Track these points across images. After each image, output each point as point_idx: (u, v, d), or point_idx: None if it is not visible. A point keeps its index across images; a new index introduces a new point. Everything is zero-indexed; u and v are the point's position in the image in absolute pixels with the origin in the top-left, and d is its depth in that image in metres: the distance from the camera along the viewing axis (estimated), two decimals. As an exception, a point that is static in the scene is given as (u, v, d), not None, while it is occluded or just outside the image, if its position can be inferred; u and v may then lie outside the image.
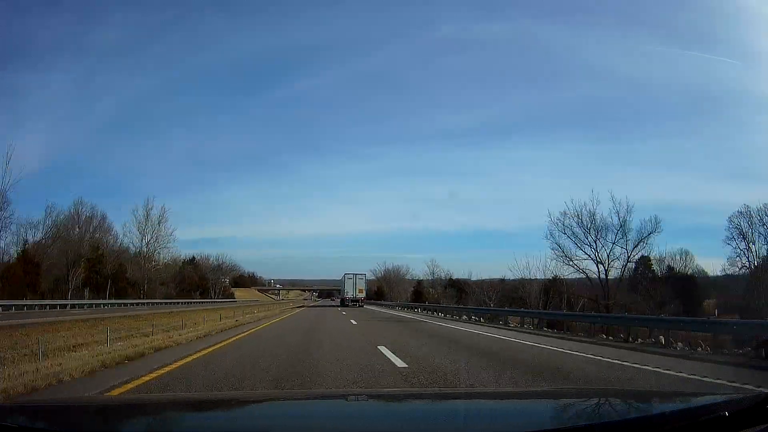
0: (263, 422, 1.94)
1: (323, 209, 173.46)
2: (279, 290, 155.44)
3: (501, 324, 22.55)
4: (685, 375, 7.53)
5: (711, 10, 58.38)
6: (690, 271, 47.47)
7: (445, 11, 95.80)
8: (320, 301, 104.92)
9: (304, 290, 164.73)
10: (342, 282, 56.03)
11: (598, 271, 33.05)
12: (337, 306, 53.38)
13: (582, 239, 33.30)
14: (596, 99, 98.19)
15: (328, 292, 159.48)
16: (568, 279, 36.99)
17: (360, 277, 53.34)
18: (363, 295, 52.85)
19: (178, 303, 52.44)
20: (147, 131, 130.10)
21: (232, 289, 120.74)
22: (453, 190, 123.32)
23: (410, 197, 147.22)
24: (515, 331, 18.72)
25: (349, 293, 51.82)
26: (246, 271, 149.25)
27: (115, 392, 5.82)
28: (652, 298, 32.79)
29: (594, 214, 33.03)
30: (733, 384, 6.75)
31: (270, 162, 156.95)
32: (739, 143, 59.96)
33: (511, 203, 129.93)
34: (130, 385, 6.23)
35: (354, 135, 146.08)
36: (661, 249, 42.86)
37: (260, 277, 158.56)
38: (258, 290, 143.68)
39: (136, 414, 2.03)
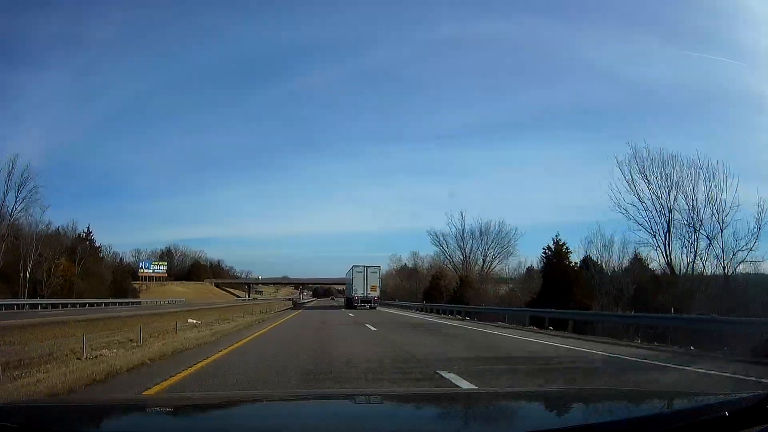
0: (268, 422, 1.93)
1: (321, 209, 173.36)
2: (251, 285, 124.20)
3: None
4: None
5: (714, 10, 57.78)
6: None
7: (446, 9, 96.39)
8: (316, 301, 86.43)
9: (297, 286, 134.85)
10: (349, 277, 45.45)
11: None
12: (341, 307, 44.63)
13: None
14: (597, 98, 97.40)
15: (325, 290, 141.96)
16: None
17: (373, 270, 42.41)
18: (377, 293, 42.12)
19: None
20: (143, 129, 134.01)
21: (171, 283, 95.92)
22: (453, 189, 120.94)
23: (410, 197, 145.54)
24: None
25: (359, 291, 40.86)
26: (208, 258, 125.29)
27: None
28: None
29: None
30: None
31: (268, 161, 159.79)
32: (741, 144, 60.57)
33: (511, 203, 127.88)
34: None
35: (353, 133, 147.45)
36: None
37: (229, 267, 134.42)
38: (218, 285, 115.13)
39: (136, 414, 2.01)
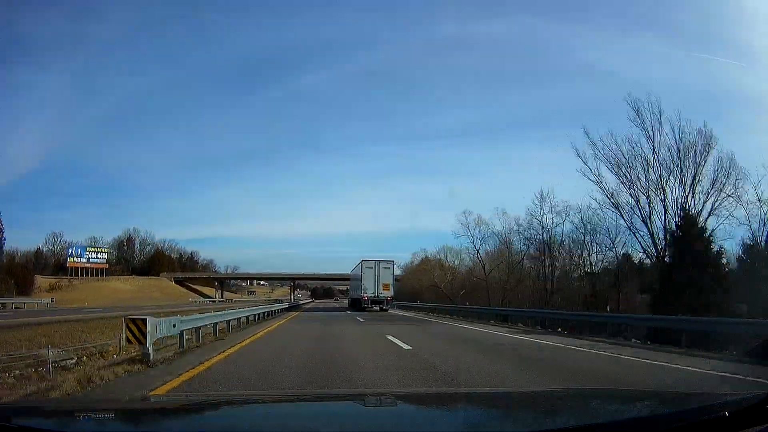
0: (270, 422, 1.93)
1: (322, 208, 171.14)
2: (224, 281, 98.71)
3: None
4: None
5: (714, 10, 57.47)
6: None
7: (447, 10, 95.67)
8: (315, 303, 72.51)
9: (293, 284, 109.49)
10: (356, 274, 39.09)
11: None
12: (345, 309, 38.72)
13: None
14: (599, 99, 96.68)
15: (326, 289, 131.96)
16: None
17: (385, 266, 36.13)
18: (389, 293, 35.77)
19: None
20: (143, 129, 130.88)
21: (114, 278, 76.13)
22: (453, 189, 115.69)
23: (410, 197, 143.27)
24: None
25: (369, 290, 34.97)
26: (180, 249, 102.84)
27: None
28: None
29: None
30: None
31: (269, 160, 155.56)
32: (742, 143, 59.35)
33: (512, 203, 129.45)
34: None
35: (354, 133, 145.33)
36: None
37: (207, 261, 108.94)
38: (180, 281, 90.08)
39: (137, 415, 2.01)
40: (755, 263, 22.71)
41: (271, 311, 25.27)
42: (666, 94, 67.87)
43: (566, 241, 33.97)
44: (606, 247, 30.29)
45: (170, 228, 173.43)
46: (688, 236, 21.48)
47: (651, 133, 26.18)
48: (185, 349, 9.67)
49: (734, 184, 24.11)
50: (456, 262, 49.11)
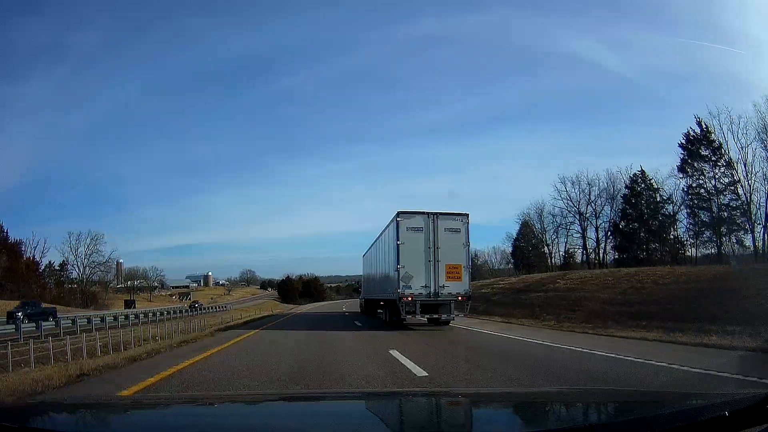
0: (267, 422, 1.93)
1: (306, 210, 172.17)
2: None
3: None
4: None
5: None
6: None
7: (428, 5, 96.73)
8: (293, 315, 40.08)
9: (264, 286, 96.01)
10: (384, 247, 17.61)
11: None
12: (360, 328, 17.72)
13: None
14: (585, 90, 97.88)
15: (308, 283, 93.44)
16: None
17: (451, 225, 15.30)
18: (464, 286, 15.23)
19: None
20: (123, 136, 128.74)
21: None
22: (444, 183, 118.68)
23: (394, 195, 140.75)
24: None
25: (418, 280, 15.04)
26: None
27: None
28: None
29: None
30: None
31: (251, 165, 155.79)
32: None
33: (509, 198, 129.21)
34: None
35: (336, 133, 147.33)
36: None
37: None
38: None
39: (135, 414, 2.01)
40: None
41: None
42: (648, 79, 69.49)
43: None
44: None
45: (153, 235, 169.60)
46: None
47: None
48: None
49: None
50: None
